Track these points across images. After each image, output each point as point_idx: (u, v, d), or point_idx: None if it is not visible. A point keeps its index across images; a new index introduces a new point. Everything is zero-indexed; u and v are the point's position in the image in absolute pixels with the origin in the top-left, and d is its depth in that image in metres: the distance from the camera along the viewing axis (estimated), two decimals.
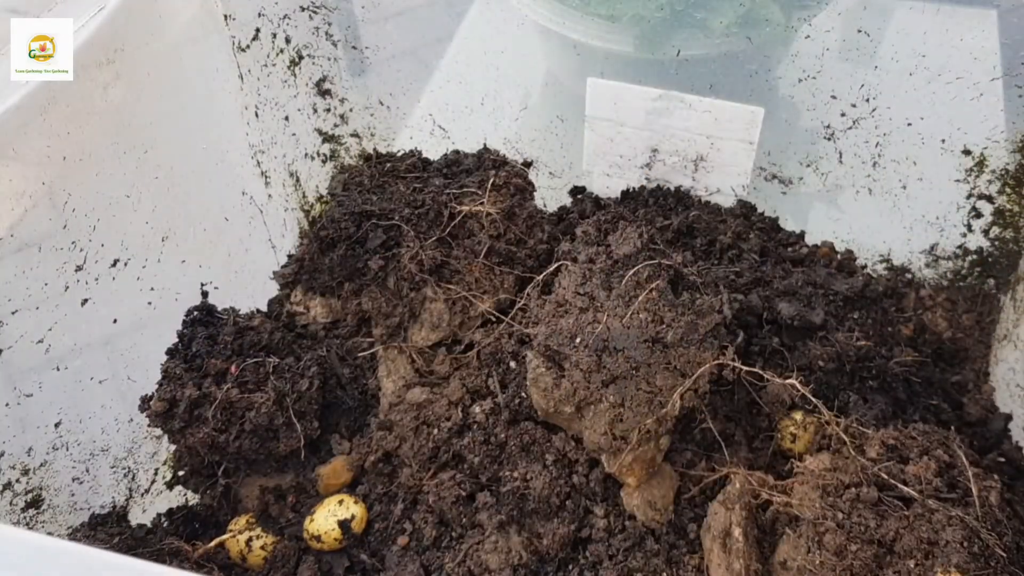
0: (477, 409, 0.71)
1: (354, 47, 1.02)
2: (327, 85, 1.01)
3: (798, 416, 0.71)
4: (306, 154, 1.01)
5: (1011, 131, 0.84)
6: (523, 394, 0.71)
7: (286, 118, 0.97)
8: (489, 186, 0.82)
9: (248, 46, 0.90)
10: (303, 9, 0.95)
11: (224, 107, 0.90)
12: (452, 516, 0.68)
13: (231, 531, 0.71)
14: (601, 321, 0.65)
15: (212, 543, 0.69)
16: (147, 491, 0.81)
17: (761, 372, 0.67)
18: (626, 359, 0.64)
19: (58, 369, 0.74)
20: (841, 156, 0.91)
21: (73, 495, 0.75)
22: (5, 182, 0.67)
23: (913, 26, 0.84)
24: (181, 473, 0.77)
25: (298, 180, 1.01)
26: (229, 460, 0.74)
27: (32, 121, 0.67)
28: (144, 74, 0.78)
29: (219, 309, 0.82)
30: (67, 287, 0.73)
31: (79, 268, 0.74)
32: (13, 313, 0.69)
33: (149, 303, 0.81)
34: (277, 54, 0.94)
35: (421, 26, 1.11)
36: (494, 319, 0.79)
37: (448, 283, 0.79)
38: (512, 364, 0.75)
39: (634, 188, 0.97)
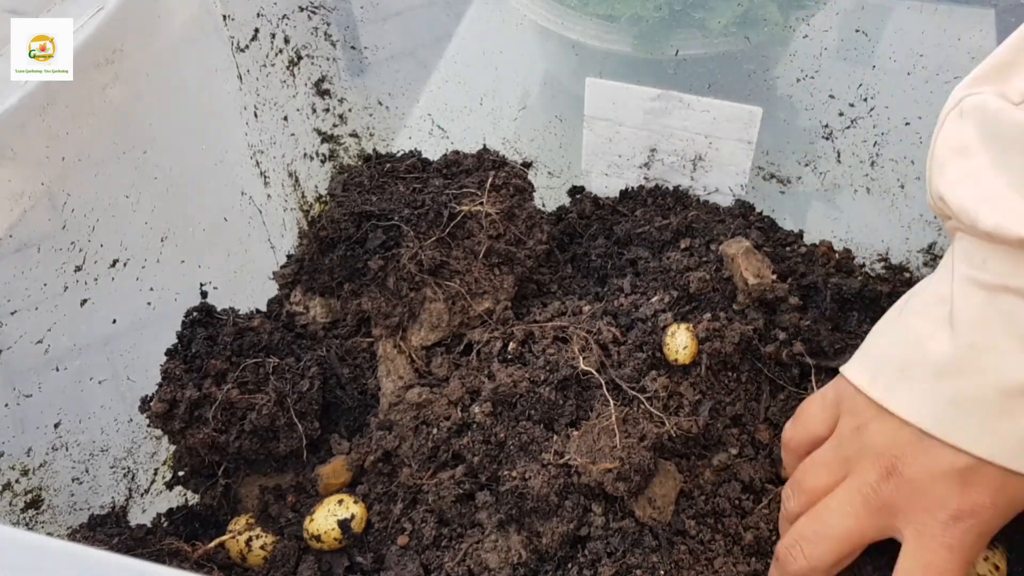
0: (477, 409, 0.71)
1: (353, 47, 1.02)
2: (326, 85, 1.01)
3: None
4: (305, 154, 1.01)
5: None
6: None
7: (285, 118, 0.97)
8: (488, 186, 0.82)
9: (247, 46, 0.90)
10: (302, 9, 0.96)
11: (223, 107, 0.90)
12: (452, 515, 0.68)
13: (231, 531, 0.71)
14: None
15: (212, 543, 0.69)
16: (147, 491, 0.81)
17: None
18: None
19: (57, 369, 0.74)
20: (839, 155, 0.91)
21: (73, 495, 0.75)
22: (4, 183, 0.67)
23: (911, 26, 0.84)
24: (181, 473, 0.77)
25: (297, 180, 1.01)
26: (229, 460, 0.74)
27: (31, 121, 0.67)
28: (143, 74, 0.78)
29: (218, 310, 0.82)
30: (66, 287, 0.73)
31: (78, 268, 0.74)
32: (12, 314, 0.69)
33: (148, 303, 0.81)
34: (276, 54, 0.94)
35: (420, 26, 1.11)
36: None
37: (448, 283, 0.79)
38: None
39: (633, 188, 0.97)
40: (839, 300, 0.79)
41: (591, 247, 0.90)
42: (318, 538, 0.69)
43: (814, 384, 0.74)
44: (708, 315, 0.75)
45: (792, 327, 0.75)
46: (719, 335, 0.73)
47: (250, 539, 0.70)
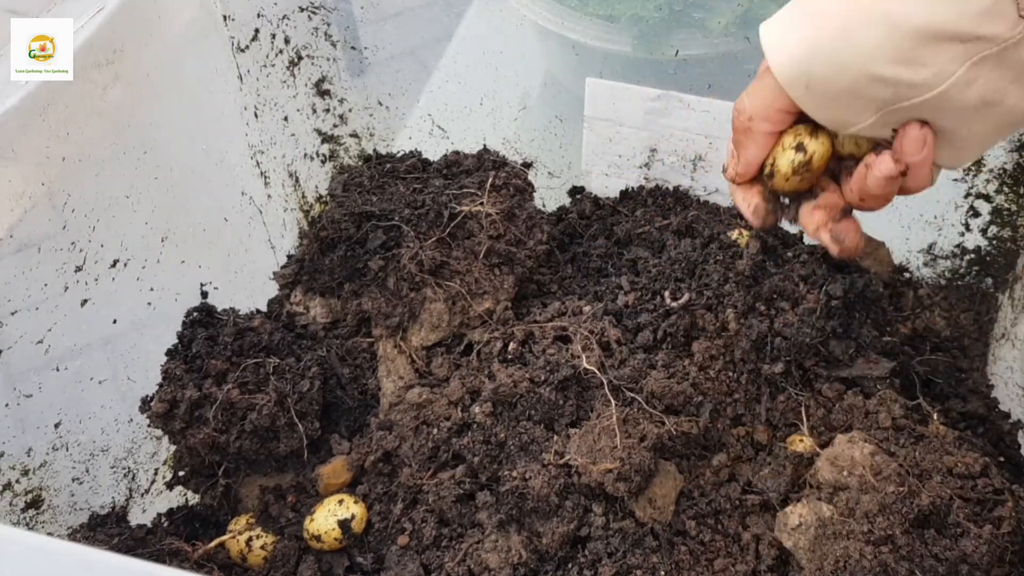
0: (477, 409, 0.71)
1: (353, 47, 1.02)
2: (326, 85, 1.01)
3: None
4: (305, 154, 1.02)
5: None
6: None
7: (285, 118, 0.97)
8: (488, 187, 0.82)
9: (247, 47, 0.90)
10: (302, 10, 0.96)
11: (223, 108, 0.90)
12: (452, 515, 0.68)
13: (231, 531, 0.71)
14: None
15: (212, 543, 0.69)
16: (147, 491, 0.81)
17: None
18: None
19: (58, 370, 0.74)
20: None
21: (73, 495, 0.75)
22: (4, 183, 0.67)
23: None
24: (181, 473, 0.77)
25: (297, 180, 1.01)
26: (229, 460, 0.74)
27: (31, 122, 0.67)
28: (143, 75, 0.78)
29: (219, 310, 0.82)
30: (67, 288, 0.73)
31: (79, 269, 0.74)
32: (13, 314, 0.69)
33: (149, 303, 0.81)
34: (276, 55, 0.94)
35: (420, 26, 1.11)
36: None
37: (448, 283, 0.79)
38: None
39: (633, 188, 0.97)
40: (846, 304, 0.79)
41: (591, 247, 0.90)
42: (318, 538, 0.69)
43: (816, 390, 0.74)
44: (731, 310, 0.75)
45: (793, 338, 0.75)
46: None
47: (250, 539, 0.70)
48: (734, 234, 0.84)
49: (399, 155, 0.93)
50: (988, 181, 0.87)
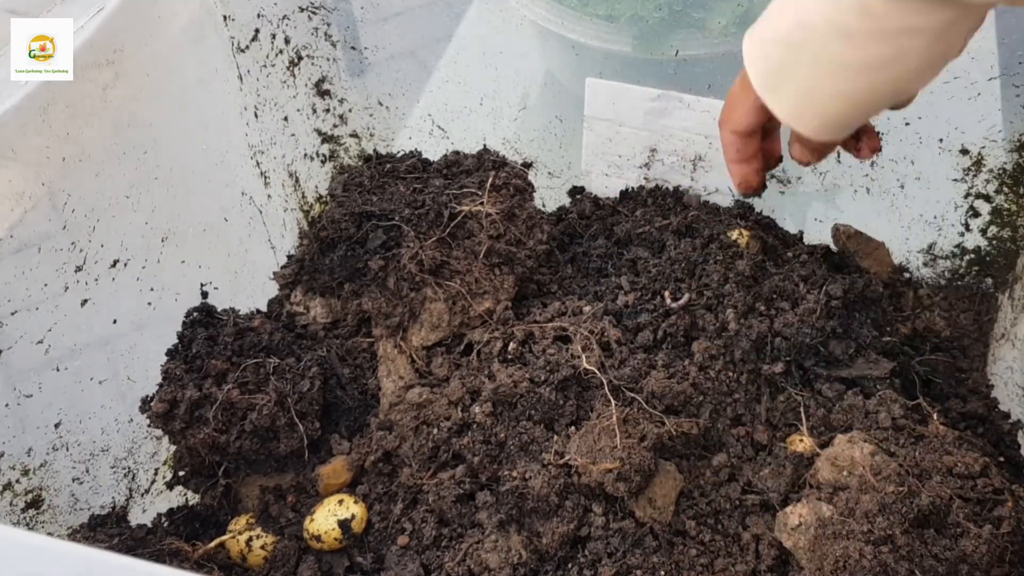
0: (477, 409, 0.71)
1: (353, 48, 1.02)
2: (326, 86, 1.01)
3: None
4: (305, 154, 1.02)
5: (1008, 131, 0.84)
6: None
7: (285, 118, 0.97)
8: (489, 187, 0.82)
9: (247, 47, 0.90)
10: (302, 10, 0.96)
11: (223, 108, 0.90)
12: (452, 515, 0.68)
13: (231, 531, 0.71)
14: None
15: (212, 543, 0.69)
16: (147, 491, 0.81)
17: None
18: None
19: (58, 370, 0.74)
20: (839, 155, 0.91)
21: (73, 495, 0.75)
22: (4, 183, 0.67)
23: None
24: (181, 473, 0.77)
25: (297, 180, 1.01)
26: (229, 460, 0.74)
27: (31, 122, 0.68)
28: (143, 75, 0.78)
29: (219, 310, 0.82)
30: (67, 288, 0.73)
31: (79, 269, 0.74)
32: (13, 314, 0.69)
33: (149, 304, 0.82)
34: (276, 55, 0.94)
35: (420, 26, 1.11)
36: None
37: (448, 283, 0.79)
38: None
39: (633, 188, 0.97)
40: (846, 304, 0.79)
41: (591, 247, 0.90)
42: (318, 538, 0.69)
43: (816, 390, 0.74)
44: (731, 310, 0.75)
45: (793, 338, 0.75)
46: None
47: (250, 539, 0.70)
48: (734, 234, 0.84)
49: (399, 155, 0.93)
50: (988, 181, 0.87)
